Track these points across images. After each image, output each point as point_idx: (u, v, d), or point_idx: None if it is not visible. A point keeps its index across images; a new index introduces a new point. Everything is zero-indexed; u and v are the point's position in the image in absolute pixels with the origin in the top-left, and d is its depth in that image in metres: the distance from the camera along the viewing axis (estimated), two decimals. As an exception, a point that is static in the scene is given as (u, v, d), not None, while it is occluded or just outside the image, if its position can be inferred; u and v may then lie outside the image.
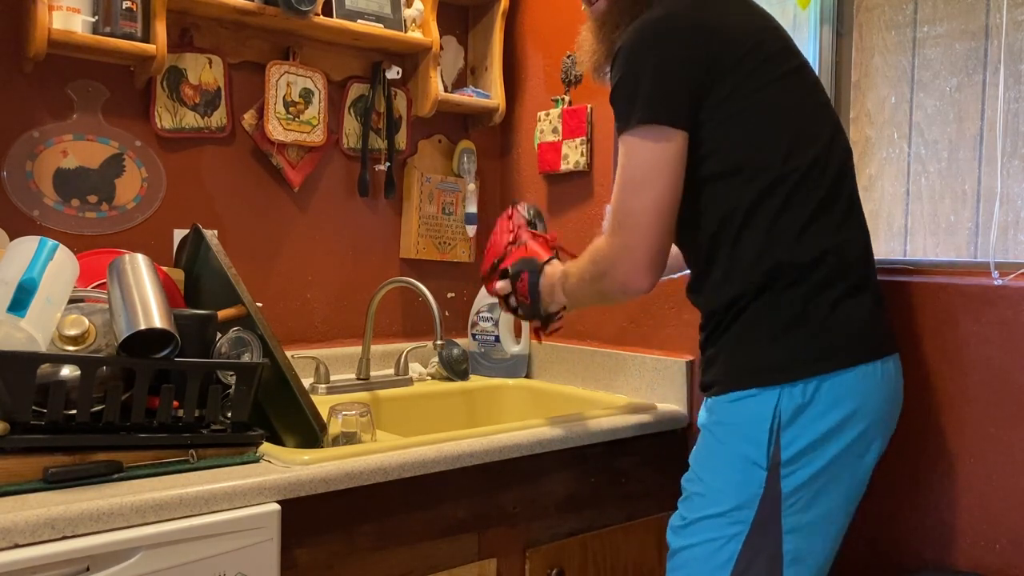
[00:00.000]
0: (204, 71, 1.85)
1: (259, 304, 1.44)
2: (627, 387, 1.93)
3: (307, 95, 1.96)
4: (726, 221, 1.24)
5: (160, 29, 1.67)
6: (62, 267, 1.25)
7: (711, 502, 1.23)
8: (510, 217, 1.61)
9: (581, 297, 1.39)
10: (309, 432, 1.37)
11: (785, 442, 1.18)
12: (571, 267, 1.39)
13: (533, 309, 1.51)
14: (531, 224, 1.60)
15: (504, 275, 1.54)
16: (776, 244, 1.21)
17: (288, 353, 1.41)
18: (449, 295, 2.27)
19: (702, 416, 1.31)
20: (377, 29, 1.98)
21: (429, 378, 2.11)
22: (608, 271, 1.25)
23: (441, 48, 2.16)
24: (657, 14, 1.24)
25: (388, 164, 2.12)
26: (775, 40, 1.28)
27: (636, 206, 1.21)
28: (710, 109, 1.22)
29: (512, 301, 1.54)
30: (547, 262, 1.49)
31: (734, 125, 1.22)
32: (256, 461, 1.27)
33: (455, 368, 2.08)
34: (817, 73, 1.88)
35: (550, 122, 2.15)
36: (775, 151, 1.22)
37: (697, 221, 1.27)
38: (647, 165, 1.21)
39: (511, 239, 1.58)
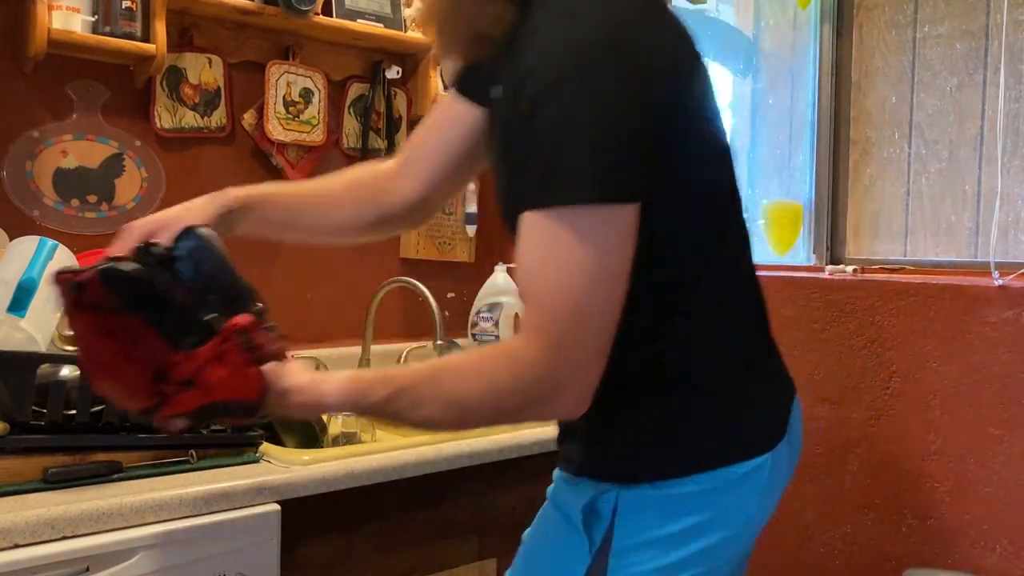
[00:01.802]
0: (204, 71, 1.85)
1: (259, 304, 1.43)
2: (627, 387, 1.93)
3: (307, 95, 1.96)
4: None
5: (160, 29, 1.67)
6: (62, 267, 1.25)
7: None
8: (107, 332, 0.87)
9: (451, 422, 0.94)
10: (309, 432, 1.37)
11: (619, 534, 0.98)
12: (420, 385, 0.90)
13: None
14: (163, 317, 0.87)
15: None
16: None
17: (288, 353, 1.41)
18: (449, 295, 2.27)
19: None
20: (377, 29, 1.98)
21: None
22: (549, 397, 0.86)
23: (441, 48, 2.16)
24: (594, 31, 0.85)
25: (388, 164, 2.12)
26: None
27: (593, 308, 0.85)
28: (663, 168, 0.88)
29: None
30: (261, 398, 0.88)
31: (679, 198, 0.92)
32: (256, 461, 1.27)
33: (455, 368, 2.08)
34: (817, 73, 1.89)
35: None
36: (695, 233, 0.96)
37: None
38: (607, 254, 0.85)
39: (150, 377, 0.86)
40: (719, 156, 0.98)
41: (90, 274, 0.84)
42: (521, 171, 0.87)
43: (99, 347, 0.87)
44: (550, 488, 1.16)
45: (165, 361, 0.85)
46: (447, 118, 1.14)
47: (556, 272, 0.85)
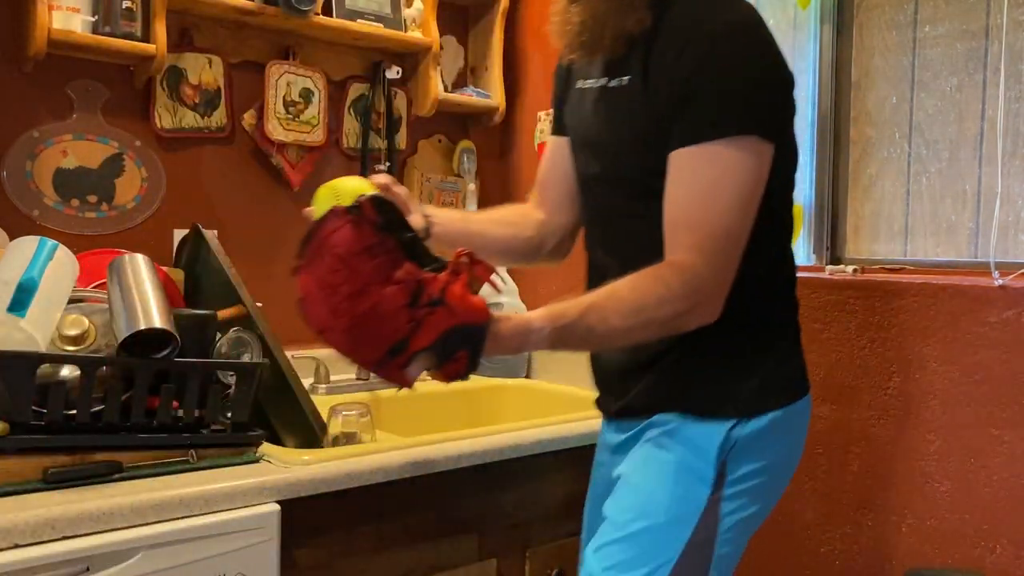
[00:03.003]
0: (204, 71, 1.85)
1: (259, 304, 1.43)
2: (627, 387, 1.93)
3: (307, 95, 1.96)
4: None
5: (160, 29, 1.67)
6: (62, 267, 1.25)
7: (648, 511, 1.14)
8: (373, 253, 0.94)
9: (634, 330, 1.08)
10: (309, 432, 1.37)
11: (732, 467, 1.14)
12: (591, 311, 1.05)
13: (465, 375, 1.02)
14: (408, 246, 0.98)
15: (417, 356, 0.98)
16: (768, 285, 1.18)
17: (288, 353, 1.41)
18: (449, 295, 2.27)
19: (632, 434, 1.21)
20: (377, 29, 1.98)
21: (429, 378, 2.10)
22: (696, 307, 1.06)
23: (441, 48, 2.16)
24: (745, 14, 1.09)
25: (388, 164, 2.12)
26: None
27: (739, 228, 1.07)
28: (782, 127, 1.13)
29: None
30: (489, 321, 0.99)
31: (780, 163, 1.12)
32: (256, 461, 1.27)
33: (455, 368, 2.07)
34: (817, 73, 1.89)
35: (550, 122, 2.15)
36: (785, 198, 1.21)
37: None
38: (753, 181, 1.07)
39: (407, 298, 0.93)
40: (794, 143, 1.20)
41: (364, 199, 0.96)
42: (671, 120, 1.07)
43: (363, 272, 0.91)
44: (614, 440, 1.28)
45: (420, 278, 0.92)
46: (559, 154, 1.34)
47: (713, 195, 1.05)
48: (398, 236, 0.96)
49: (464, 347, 0.96)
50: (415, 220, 1.17)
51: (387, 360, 0.93)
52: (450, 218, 1.30)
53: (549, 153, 1.38)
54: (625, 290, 1.06)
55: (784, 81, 1.12)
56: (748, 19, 1.09)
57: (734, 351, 1.16)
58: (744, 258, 1.09)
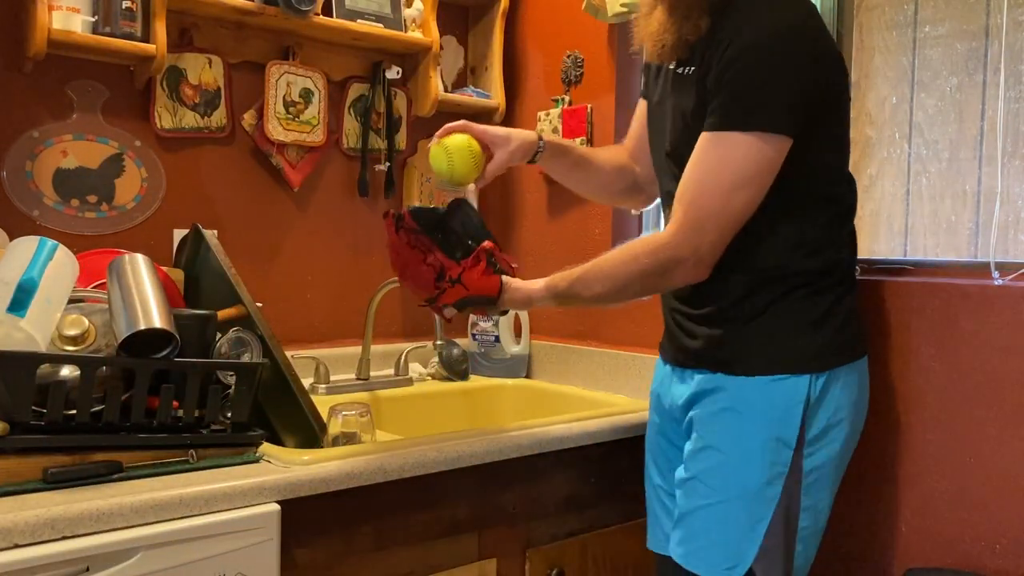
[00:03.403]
0: (204, 71, 1.85)
1: (259, 304, 1.43)
2: (627, 387, 1.93)
3: (307, 95, 1.96)
4: (789, 228, 1.31)
5: (160, 29, 1.67)
6: (62, 267, 1.25)
7: (738, 479, 1.30)
8: (412, 245, 1.38)
9: (612, 297, 1.34)
10: (309, 432, 1.37)
11: (809, 423, 1.29)
12: (585, 273, 1.34)
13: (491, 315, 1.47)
14: (438, 239, 1.40)
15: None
16: (818, 251, 1.31)
17: (288, 353, 1.41)
18: (449, 295, 2.27)
19: (701, 390, 1.36)
20: (377, 29, 1.98)
21: (429, 378, 2.11)
22: (674, 269, 1.27)
23: (441, 48, 2.16)
24: (790, 21, 1.23)
25: (388, 164, 2.12)
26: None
27: (725, 207, 1.24)
28: (813, 131, 1.25)
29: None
30: (500, 292, 1.38)
31: (824, 152, 1.30)
32: (256, 461, 1.27)
33: (455, 368, 2.08)
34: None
35: (550, 122, 2.15)
36: (840, 184, 1.35)
37: (768, 221, 1.30)
38: (753, 169, 1.23)
39: (434, 275, 1.36)
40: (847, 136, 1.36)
41: (406, 210, 1.40)
42: (706, 109, 1.25)
43: (407, 255, 1.37)
44: (676, 399, 1.44)
45: (444, 264, 1.36)
46: (642, 114, 1.55)
47: (712, 174, 1.23)
48: (431, 235, 1.39)
49: (478, 306, 1.40)
50: (527, 136, 1.47)
51: (428, 305, 1.39)
52: (562, 148, 1.55)
53: (639, 113, 1.58)
54: (605, 260, 1.32)
55: (815, 82, 1.23)
56: (787, 24, 1.22)
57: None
58: (789, 235, 1.29)
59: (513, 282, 1.39)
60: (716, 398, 1.34)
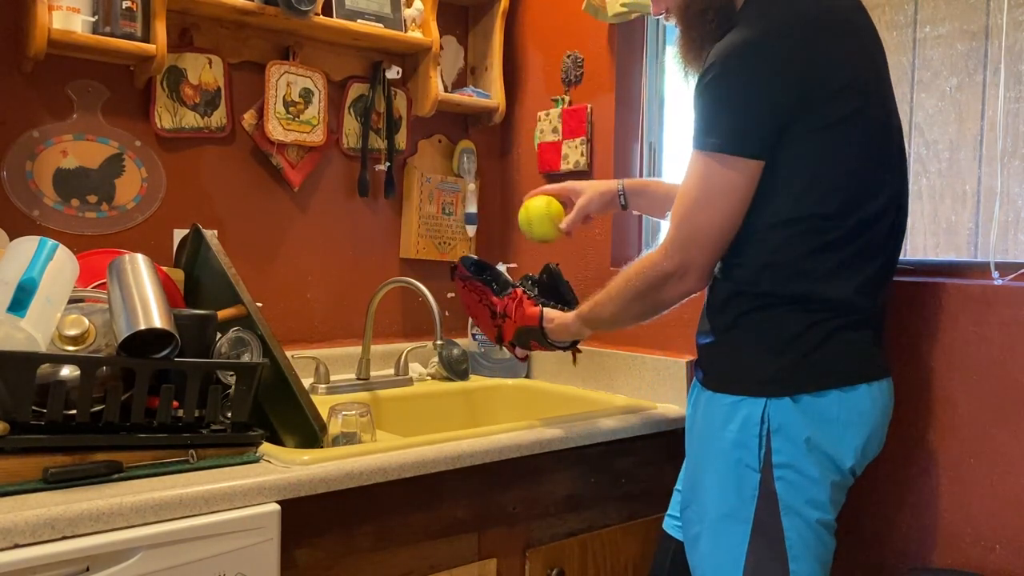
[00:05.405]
0: (204, 71, 1.85)
1: (259, 304, 1.44)
2: (627, 387, 1.93)
3: (307, 95, 1.96)
4: (774, 248, 1.25)
5: (160, 29, 1.67)
6: (62, 267, 1.25)
7: (714, 501, 1.29)
8: (470, 290, 1.62)
9: (621, 317, 1.40)
10: (309, 432, 1.37)
11: (778, 448, 1.23)
12: (599, 298, 1.41)
13: (554, 349, 1.58)
14: (487, 280, 1.60)
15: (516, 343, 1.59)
16: (793, 277, 1.24)
17: (288, 353, 1.41)
18: (449, 295, 2.27)
19: (695, 396, 1.37)
20: (377, 29, 1.98)
21: (429, 378, 2.10)
22: (664, 284, 1.30)
23: (441, 48, 2.16)
24: (752, 36, 1.20)
25: (388, 164, 2.12)
26: (865, 74, 1.26)
27: (703, 222, 1.25)
28: (789, 143, 1.21)
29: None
30: (541, 321, 1.52)
31: (805, 166, 1.22)
32: (256, 461, 1.27)
33: (455, 368, 2.08)
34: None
35: (550, 122, 2.15)
36: (831, 204, 1.23)
37: (749, 236, 1.27)
38: (717, 188, 1.23)
39: (490, 313, 1.59)
40: (859, 151, 1.24)
41: (459, 262, 1.63)
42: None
43: (467, 300, 1.63)
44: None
45: (493, 302, 1.57)
46: None
47: (687, 192, 1.26)
48: (482, 279, 1.59)
49: (531, 338, 1.54)
50: (608, 186, 1.63)
51: (499, 342, 1.60)
52: (640, 187, 1.65)
53: None
54: (612, 282, 1.39)
55: (774, 101, 1.19)
56: (744, 40, 1.20)
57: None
58: (759, 254, 1.25)
59: (551, 312, 1.51)
60: (696, 408, 1.36)
